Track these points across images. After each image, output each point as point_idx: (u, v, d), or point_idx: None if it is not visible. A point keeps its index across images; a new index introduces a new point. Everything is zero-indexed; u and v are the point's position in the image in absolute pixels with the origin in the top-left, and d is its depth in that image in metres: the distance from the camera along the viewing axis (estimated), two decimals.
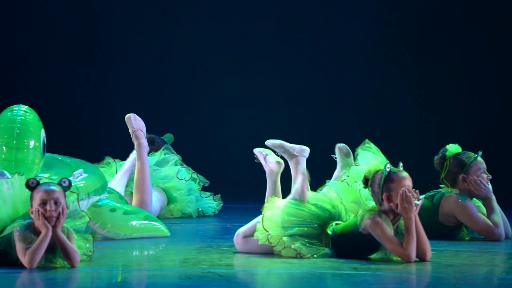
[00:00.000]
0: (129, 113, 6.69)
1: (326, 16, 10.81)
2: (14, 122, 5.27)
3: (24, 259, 4.34)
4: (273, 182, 5.10)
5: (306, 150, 5.16)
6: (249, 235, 4.95)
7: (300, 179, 4.98)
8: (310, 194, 4.95)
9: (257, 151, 5.21)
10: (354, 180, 5.70)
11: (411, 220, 4.65)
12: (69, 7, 10.72)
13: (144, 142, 6.64)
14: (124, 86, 10.87)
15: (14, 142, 5.24)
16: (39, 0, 10.68)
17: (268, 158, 5.14)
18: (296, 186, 4.96)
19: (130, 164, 6.98)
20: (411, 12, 10.75)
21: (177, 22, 10.81)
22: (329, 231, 4.81)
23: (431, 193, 5.78)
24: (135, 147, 6.66)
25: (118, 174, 6.99)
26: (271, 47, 10.90)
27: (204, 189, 7.39)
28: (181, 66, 10.89)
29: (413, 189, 4.71)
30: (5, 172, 4.94)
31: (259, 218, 4.94)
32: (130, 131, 6.63)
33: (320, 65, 10.87)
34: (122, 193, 6.66)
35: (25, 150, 5.26)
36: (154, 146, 7.41)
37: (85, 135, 10.64)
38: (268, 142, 5.26)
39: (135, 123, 6.62)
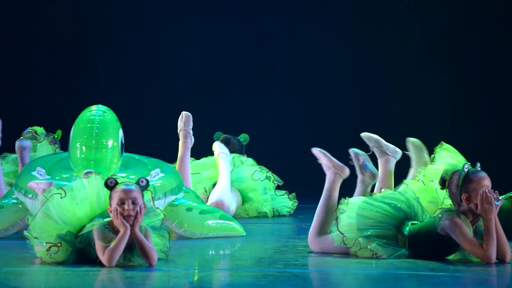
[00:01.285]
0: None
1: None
2: (93, 122, 5.34)
3: (103, 258, 4.39)
4: (363, 189, 5.05)
5: (399, 152, 5.13)
6: (321, 231, 4.92)
7: (386, 179, 4.95)
8: (387, 194, 4.92)
9: (353, 152, 5.14)
10: (430, 180, 5.62)
11: (491, 221, 4.57)
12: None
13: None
14: (197, 85, 10.96)
15: (93, 142, 5.32)
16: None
17: (365, 165, 5.07)
18: (378, 184, 4.95)
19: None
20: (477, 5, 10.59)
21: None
22: (405, 232, 4.76)
23: (510, 193, 5.67)
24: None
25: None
26: (336, 39, 10.86)
27: (278, 188, 7.40)
28: (249, 66, 10.93)
29: (492, 190, 4.63)
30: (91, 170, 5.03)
31: (318, 211, 4.91)
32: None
33: (388, 63, 10.78)
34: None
35: (103, 150, 5.33)
36: (229, 146, 7.45)
37: (159, 135, 10.76)
38: (364, 134, 5.23)
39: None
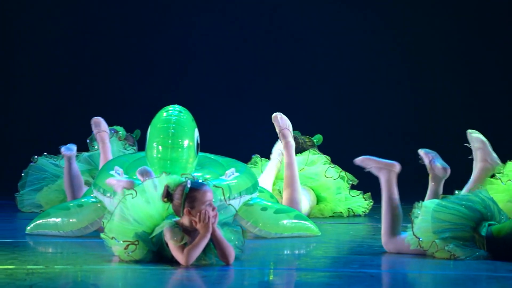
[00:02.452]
0: (275, 112, 6.75)
1: None
2: (169, 122, 5.40)
3: (180, 257, 4.42)
4: (435, 187, 4.99)
5: (499, 164, 5.10)
6: (393, 231, 4.88)
7: (477, 182, 4.93)
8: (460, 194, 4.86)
9: (422, 152, 5.10)
10: (508, 178, 5.51)
11: None
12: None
13: (291, 141, 6.68)
14: (272, 84, 10.98)
15: (169, 141, 5.37)
16: None
17: (435, 161, 5.03)
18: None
19: (276, 162, 7.03)
20: None
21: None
22: (483, 232, 4.69)
23: None
24: (282, 145, 6.70)
25: (264, 173, 7.05)
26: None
27: (353, 188, 7.35)
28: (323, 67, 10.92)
29: None
30: (148, 169, 5.07)
31: (385, 214, 4.87)
32: (277, 130, 6.69)
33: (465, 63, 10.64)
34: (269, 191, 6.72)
35: (179, 150, 5.37)
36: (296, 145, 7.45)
37: (234, 134, 10.82)
38: (475, 135, 5.20)
39: (281, 122, 6.68)
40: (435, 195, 4.96)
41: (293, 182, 6.64)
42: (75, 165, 6.71)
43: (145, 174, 4.95)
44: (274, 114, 6.67)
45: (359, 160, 5.01)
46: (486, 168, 5.26)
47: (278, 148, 7.05)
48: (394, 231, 4.88)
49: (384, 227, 4.91)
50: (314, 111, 10.81)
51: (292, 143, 6.65)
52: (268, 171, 7.01)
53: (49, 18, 10.88)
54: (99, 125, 6.81)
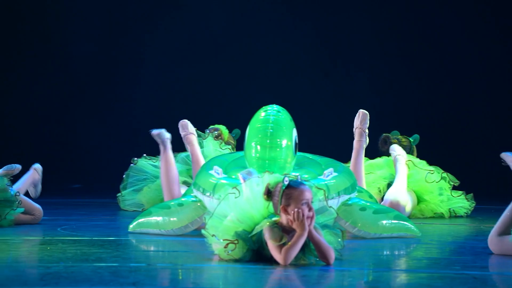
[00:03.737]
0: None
1: None
2: (268, 122, 5.42)
3: (279, 256, 4.43)
4: None
5: None
6: (502, 231, 4.77)
7: None
8: None
9: (504, 155, 5.00)
10: None
11: None
12: None
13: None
14: (371, 84, 10.93)
15: (268, 141, 5.39)
16: None
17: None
18: None
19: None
20: None
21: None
22: None
23: None
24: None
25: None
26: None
27: (455, 188, 7.25)
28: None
29: None
30: (253, 171, 5.09)
31: (507, 212, 4.76)
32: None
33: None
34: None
35: (278, 149, 5.39)
36: (386, 146, 7.39)
37: (332, 134, 10.80)
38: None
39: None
40: None
41: (399, 186, 6.65)
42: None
43: (248, 175, 4.97)
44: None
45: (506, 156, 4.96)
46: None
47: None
48: (503, 231, 4.77)
49: (496, 225, 4.81)
50: (414, 110, 10.68)
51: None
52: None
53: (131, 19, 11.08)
54: (186, 127, 6.89)
